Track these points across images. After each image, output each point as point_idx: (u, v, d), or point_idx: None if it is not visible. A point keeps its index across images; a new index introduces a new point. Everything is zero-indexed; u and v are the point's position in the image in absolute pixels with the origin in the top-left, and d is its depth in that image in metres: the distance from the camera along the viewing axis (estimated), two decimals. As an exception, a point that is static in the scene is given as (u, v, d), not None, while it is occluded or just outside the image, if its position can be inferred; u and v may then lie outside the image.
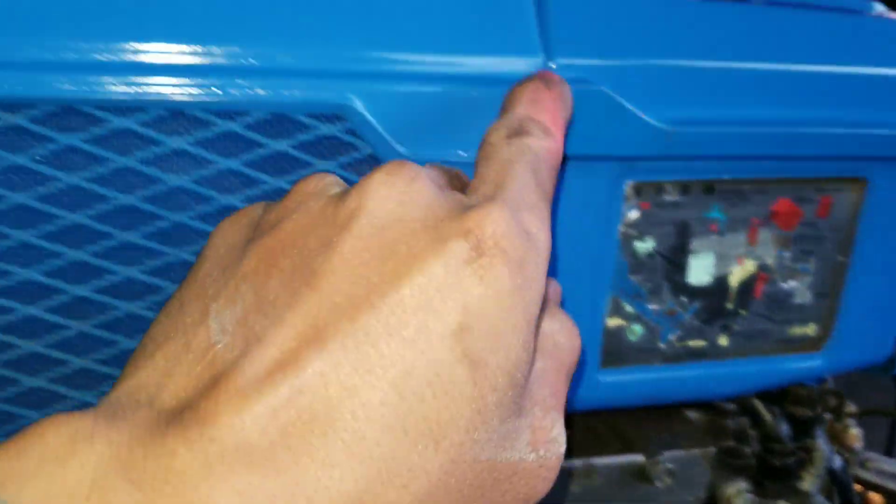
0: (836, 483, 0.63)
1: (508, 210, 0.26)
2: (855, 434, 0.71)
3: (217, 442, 0.22)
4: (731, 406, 0.66)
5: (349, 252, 0.25)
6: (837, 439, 0.69)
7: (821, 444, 0.60)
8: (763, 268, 0.55)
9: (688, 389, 0.57)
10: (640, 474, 0.60)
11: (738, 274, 0.54)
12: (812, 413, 0.61)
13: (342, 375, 0.23)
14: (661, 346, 0.55)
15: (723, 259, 0.54)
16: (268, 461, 0.22)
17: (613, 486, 0.60)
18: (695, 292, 0.54)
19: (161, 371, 0.25)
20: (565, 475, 0.59)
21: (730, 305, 0.55)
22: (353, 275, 0.24)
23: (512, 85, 0.38)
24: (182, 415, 0.23)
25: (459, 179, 0.35)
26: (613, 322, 0.53)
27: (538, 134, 0.32)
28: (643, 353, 0.55)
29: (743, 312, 0.56)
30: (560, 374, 0.29)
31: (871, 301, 0.59)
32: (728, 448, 0.66)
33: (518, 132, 0.31)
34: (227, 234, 0.29)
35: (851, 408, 0.72)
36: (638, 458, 0.59)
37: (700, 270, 0.54)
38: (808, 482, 0.61)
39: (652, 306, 0.54)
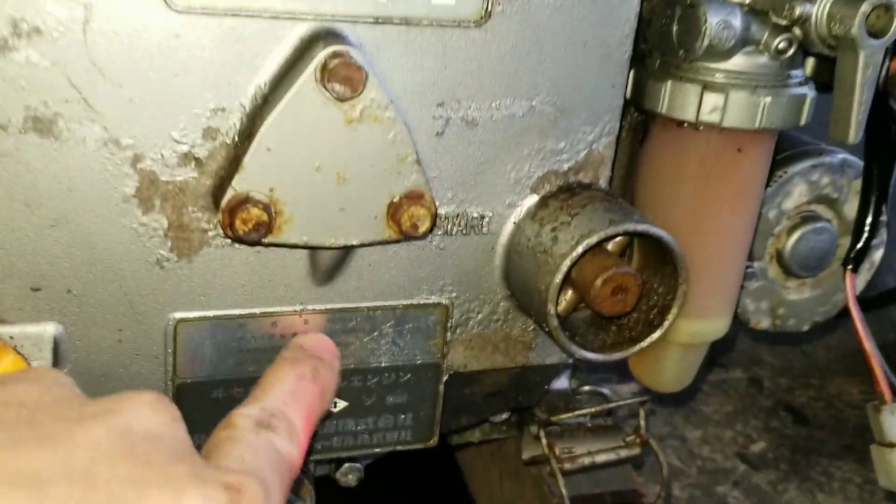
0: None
1: (264, 488, 0.28)
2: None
3: None
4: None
5: (98, 438, 0.26)
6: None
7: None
8: None
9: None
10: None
11: None
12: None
13: None
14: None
15: None
16: None
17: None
18: None
19: None
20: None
21: None
22: (97, 458, 0.25)
23: (279, 358, 0.37)
24: None
25: None
26: None
27: (283, 436, 0.32)
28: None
29: None
30: None
31: None
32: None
33: (266, 426, 0.32)
34: None
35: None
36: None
37: None
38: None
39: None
